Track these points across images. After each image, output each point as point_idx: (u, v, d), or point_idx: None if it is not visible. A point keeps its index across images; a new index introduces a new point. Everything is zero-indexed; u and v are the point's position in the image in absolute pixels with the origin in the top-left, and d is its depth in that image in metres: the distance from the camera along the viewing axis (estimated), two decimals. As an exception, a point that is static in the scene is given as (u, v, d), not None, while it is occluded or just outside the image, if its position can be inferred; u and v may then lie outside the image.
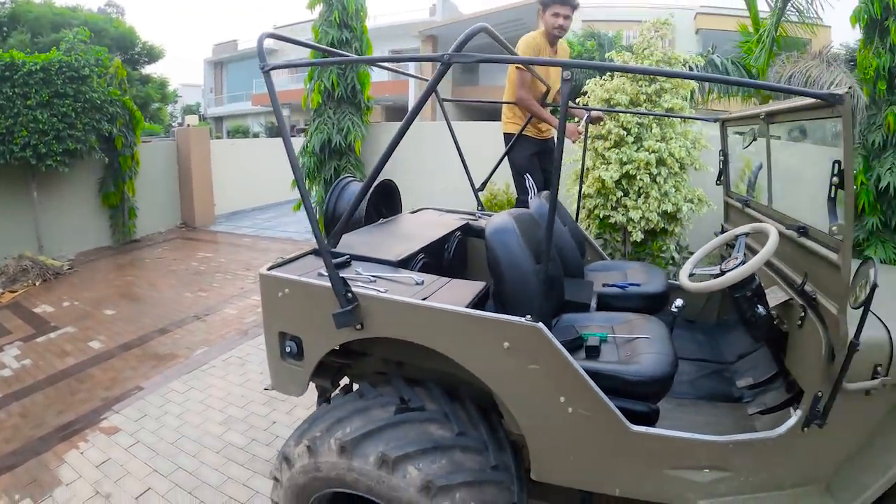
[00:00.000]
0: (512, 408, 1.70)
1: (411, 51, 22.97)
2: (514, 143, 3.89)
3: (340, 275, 1.75)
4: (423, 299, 1.73)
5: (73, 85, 6.69)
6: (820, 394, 1.68)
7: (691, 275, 2.24)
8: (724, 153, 3.18)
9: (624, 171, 4.44)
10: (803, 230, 2.03)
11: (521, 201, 4.11)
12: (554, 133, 4.15)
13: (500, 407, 1.81)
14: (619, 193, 4.53)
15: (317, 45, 2.86)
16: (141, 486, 2.79)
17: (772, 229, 2.04)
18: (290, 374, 1.97)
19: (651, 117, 4.45)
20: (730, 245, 2.45)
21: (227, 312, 5.46)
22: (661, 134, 4.44)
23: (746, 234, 2.30)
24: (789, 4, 6.21)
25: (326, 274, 1.79)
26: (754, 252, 2.15)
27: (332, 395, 2.25)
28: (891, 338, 1.72)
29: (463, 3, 26.48)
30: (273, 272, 1.93)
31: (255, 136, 27.04)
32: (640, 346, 2.02)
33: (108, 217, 8.06)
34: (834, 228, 1.69)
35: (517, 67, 3.72)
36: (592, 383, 1.63)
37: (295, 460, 1.78)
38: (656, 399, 1.90)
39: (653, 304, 2.76)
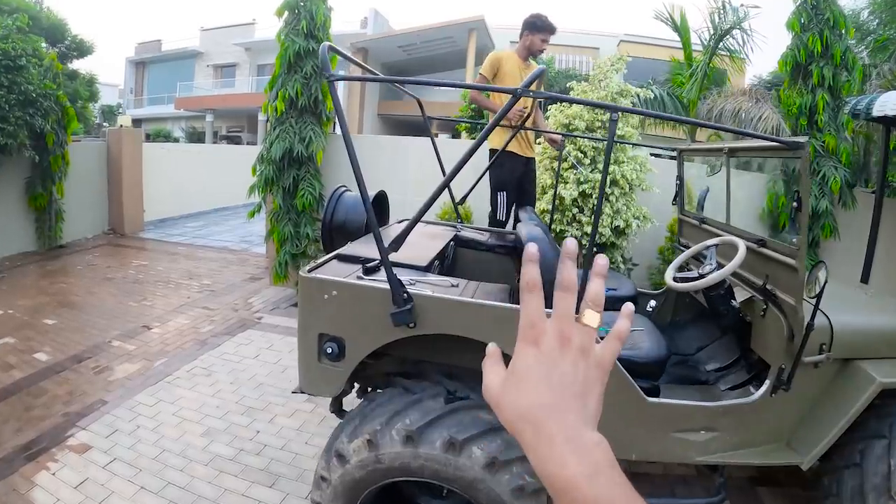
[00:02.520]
0: None
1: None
2: (502, 159, 3.87)
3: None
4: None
5: (9, 75, 6.17)
6: (783, 366, 2.10)
7: (673, 279, 2.61)
8: (680, 178, 3.54)
9: (580, 191, 4.80)
10: (762, 242, 2.42)
11: (491, 217, 4.26)
12: (535, 152, 4.46)
13: None
14: (575, 210, 4.88)
15: (368, 68, 2.91)
16: (130, 504, 2.65)
17: (740, 242, 2.44)
18: (324, 375, 2.00)
19: (603, 142, 4.81)
20: (694, 257, 2.91)
21: (179, 322, 5.25)
22: (614, 157, 4.80)
23: (717, 246, 2.67)
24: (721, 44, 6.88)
25: (365, 277, 1.91)
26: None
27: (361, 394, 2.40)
28: (831, 324, 2.15)
29: (393, 18, 26.87)
30: (316, 274, 1.95)
31: (176, 140, 25.80)
32: (636, 337, 2.36)
33: (33, 220, 7.46)
34: (794, 240, 2.13)
35: (481, 73, 4.15)
36: (619, 365, 1.90)
37: (350, 456, 1.84)
38: (657, 377, 2.26)
39: None
